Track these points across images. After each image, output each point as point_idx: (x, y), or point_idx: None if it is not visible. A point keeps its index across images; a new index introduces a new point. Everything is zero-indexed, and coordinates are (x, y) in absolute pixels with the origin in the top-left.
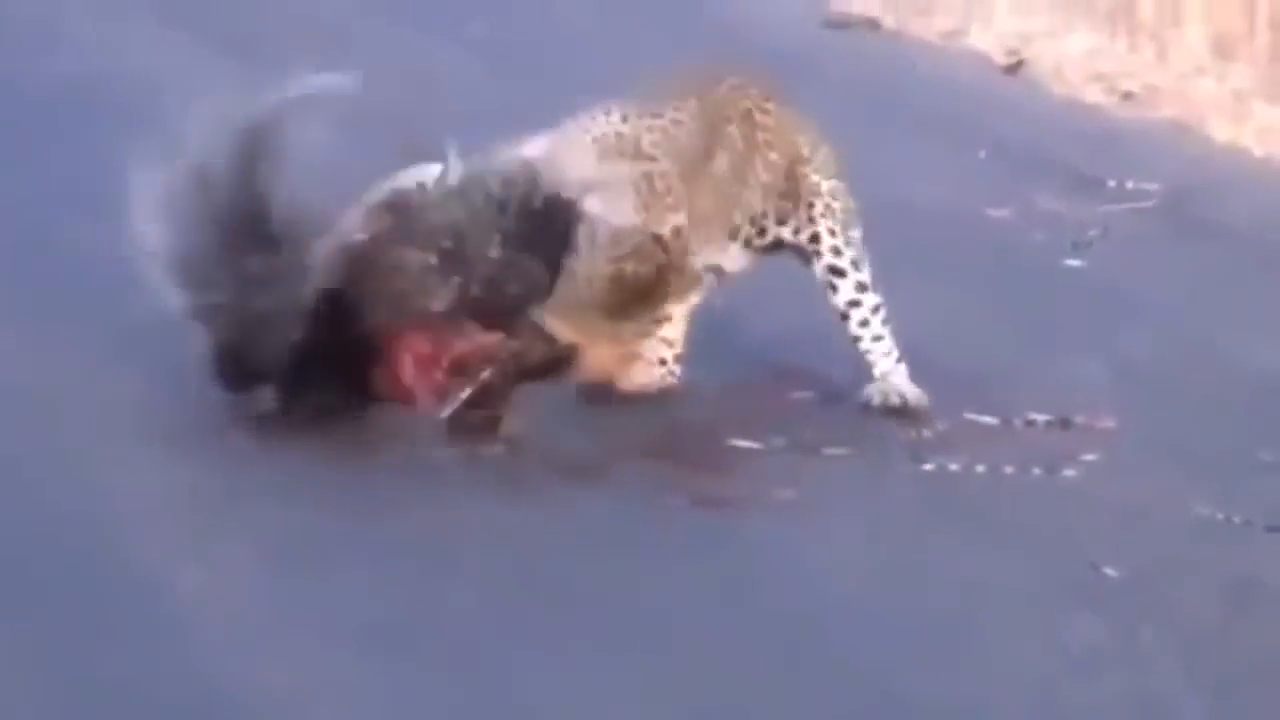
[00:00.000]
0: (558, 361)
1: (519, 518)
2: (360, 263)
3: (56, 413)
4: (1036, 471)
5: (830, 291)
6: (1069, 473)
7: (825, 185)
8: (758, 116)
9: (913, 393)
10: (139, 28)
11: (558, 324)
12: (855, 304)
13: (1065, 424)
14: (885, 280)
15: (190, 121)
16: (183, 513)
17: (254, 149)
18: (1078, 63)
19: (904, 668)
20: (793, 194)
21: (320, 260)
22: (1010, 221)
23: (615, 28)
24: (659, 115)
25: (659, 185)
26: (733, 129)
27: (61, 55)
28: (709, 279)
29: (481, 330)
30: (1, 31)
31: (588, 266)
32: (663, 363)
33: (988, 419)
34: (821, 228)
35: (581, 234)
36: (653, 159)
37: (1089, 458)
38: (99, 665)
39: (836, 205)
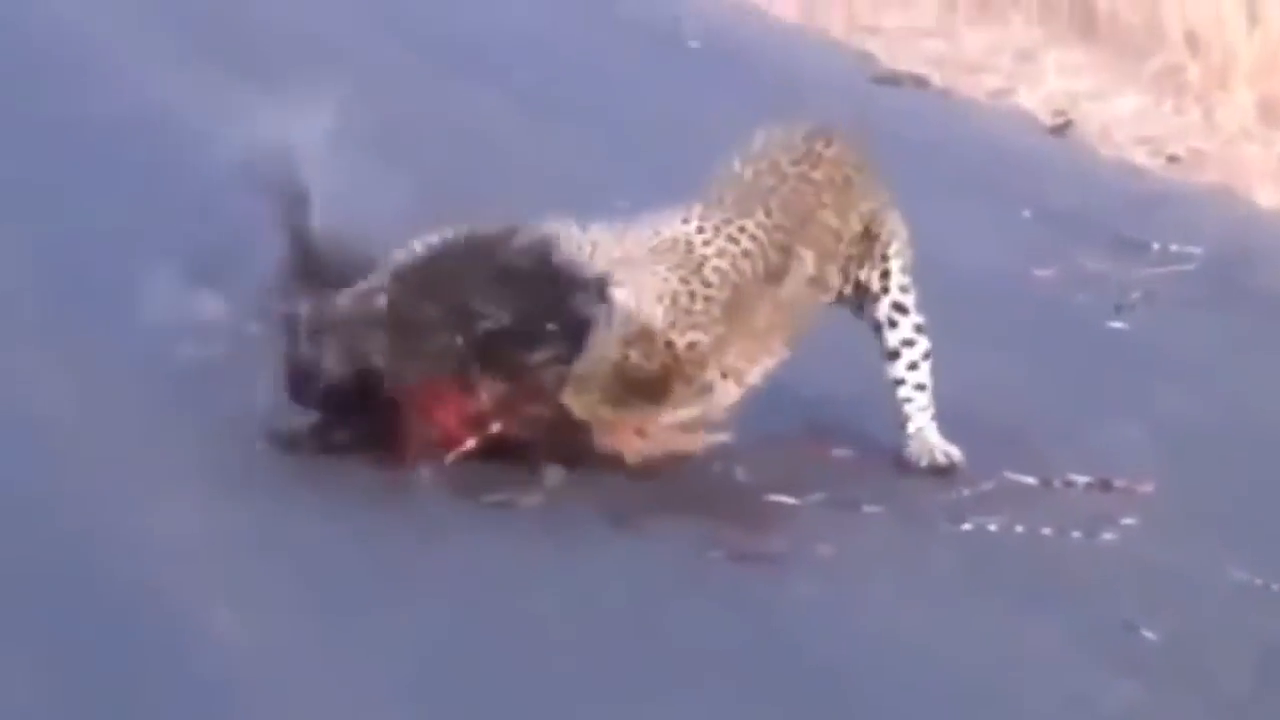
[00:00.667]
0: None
1: (557, 567)
2: (377, 319)
3: (94, 452)
4: (1075, 534)
5: (888, 328)
6: (1108, 535)
7: (896, 225)
8: (852, 176)
9: (950, 451)
10: (181, 68)
11: (573, 398)
12: (909, 343)
13: (1105, 486)
14: (928, 337)
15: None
16: (221, 554)
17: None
18: (1124, 125)
19: None
20: (872, 236)
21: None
22: (1054, 282)
23: (663, 83)
24: (737, 239)
25: (697, 306)
26: (825, 214)
27: (103, 95)
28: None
29: (491, 385)
30: (43, 71)
31: (600, 345)
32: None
33: (1027, 479)
34: (894, 266)
35: (602, 314)
36: (709, 284)
37: (1128, 520)
38: (135, 707)
39: (904, 244)
